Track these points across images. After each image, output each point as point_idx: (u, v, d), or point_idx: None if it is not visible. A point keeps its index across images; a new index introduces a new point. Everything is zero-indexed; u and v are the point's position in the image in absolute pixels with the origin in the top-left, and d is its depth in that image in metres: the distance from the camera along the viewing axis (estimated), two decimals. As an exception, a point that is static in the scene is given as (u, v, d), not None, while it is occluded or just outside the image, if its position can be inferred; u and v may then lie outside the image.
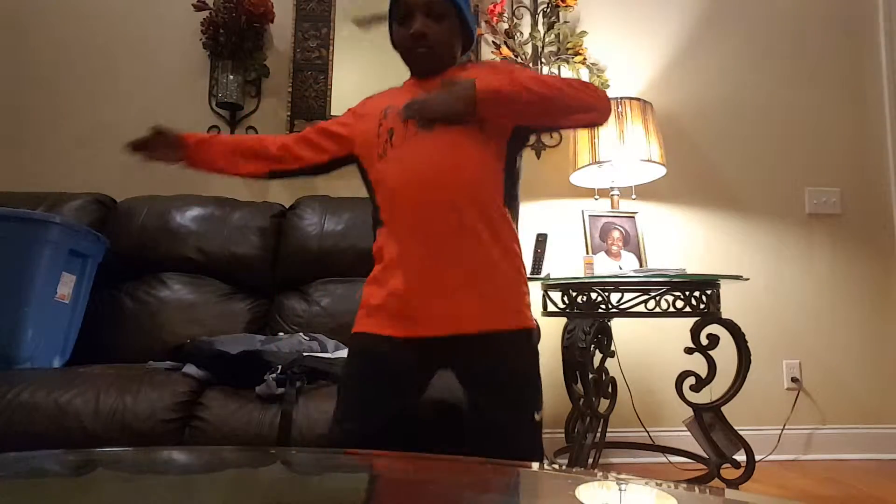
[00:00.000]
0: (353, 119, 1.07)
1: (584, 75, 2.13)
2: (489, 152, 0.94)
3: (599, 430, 1.68)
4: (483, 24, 2.11)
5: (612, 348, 1.69)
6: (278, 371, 1.15)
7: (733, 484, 1.50)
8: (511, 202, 0.97)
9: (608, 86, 2.11)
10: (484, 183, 0.93)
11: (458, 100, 0.90)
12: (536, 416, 0.92)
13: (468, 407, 0.97)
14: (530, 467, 0.63)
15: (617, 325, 1.90)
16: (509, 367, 0.92)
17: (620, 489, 0.52)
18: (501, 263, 0.92)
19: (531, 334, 0.95)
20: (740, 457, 1.52)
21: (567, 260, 2.01)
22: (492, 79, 0.92)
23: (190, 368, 1.22)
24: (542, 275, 1.68)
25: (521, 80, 0.92)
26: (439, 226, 0.89)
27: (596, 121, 1.00)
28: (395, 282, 0.91)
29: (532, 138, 1.03)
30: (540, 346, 1.29)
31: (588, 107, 0.96)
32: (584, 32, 2.12)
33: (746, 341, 1.54)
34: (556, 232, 1.99)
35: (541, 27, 2.12)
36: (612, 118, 1.80)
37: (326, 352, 1.32)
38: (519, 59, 2.09)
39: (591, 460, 1.59)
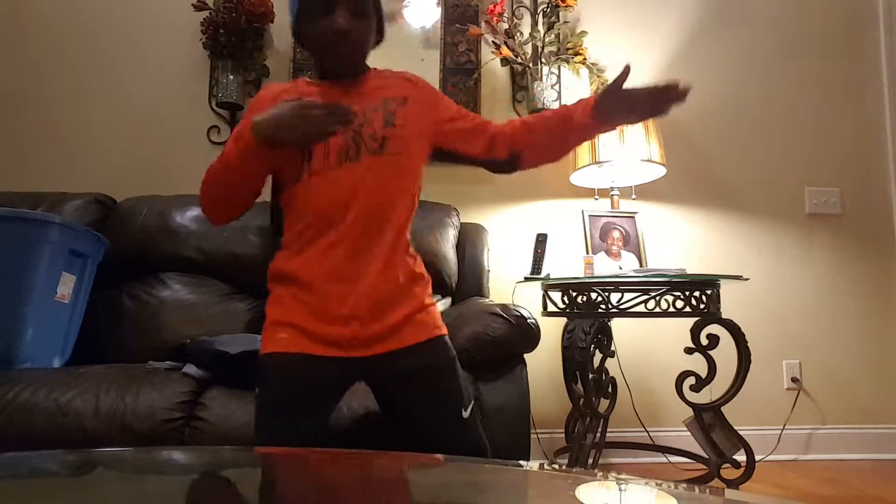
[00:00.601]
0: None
1: (584, 75, 2.13)
2: (411, 181, 0.98)
3: (599, 430, 1.68)
4: (483, 23, 2.11)
5: (612, 348, 1.69)
6: (278, 371, 1.14)
7: (733, 484, 1.50)
8: (409, 228, 1.00)
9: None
10: (397, 220, 0.95)
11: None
12: (464, 413, 0.94)
13: (397, 420, 0.99)
14: (531, 467, 0.63)
15: (617, 325, 1.90)
16: (427, 371, 0.93)
17: (620, 489, 0.52)
18: (410, 287, 0.95)
19: (444, 340, 0.98)
20: (740, 457, 1.52)
21: (567, 260, 2.01)
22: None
23: (190, 368, 1.22)
24: (542, 275, 1.68)
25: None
26: (352, 258, 0.90)
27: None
28: (317, 304, 0.90)
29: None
30: (540, 346, 1.30)
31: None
32: (584, 32, 2.12)
33: (746, 341, 1.54)
34: (556, 232, 1.99)
35: (541, 27, 2.12)
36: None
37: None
38: (519, 59, 2.09)
39: (591, 460, 1.59)
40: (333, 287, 0.90)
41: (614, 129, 0.99)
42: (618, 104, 0.89)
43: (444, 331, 0.99)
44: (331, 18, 0.89)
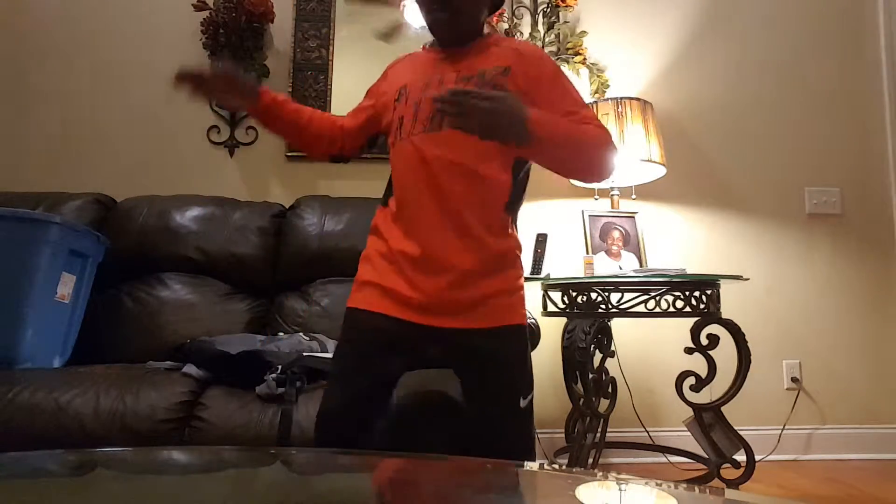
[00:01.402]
0: (376, 97, 1.06)
1: (584, 75, 2.13)
2: (495, 165, 0.93)
3: (599, 430, 1.68)
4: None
5: (612, 348, 1.69)
6: (278, 371, 1.15)
7: (733, 484, 1.50)
8: (513, 207, 0.97)
9: (608, 86, 2.11)
10: (487, 194, 0.93)
11: (509, 128, 0.81)
12: (522, 402, 0.94)
13: (463, 393, 0.99)
14: (531, 467, 0.63)
15: (617, 325, 1.90)
16: (498, 357, 0.94)
17: (620, 489, 0.52)
18: (499, 267, 0.94)
19: (522, 329, 0.98)
20: (740, 457, 1.52)
21: (567, 260, 2.01)
22: (549, 117, 0.86)
23: (190, 368, 1.22)
24: (542, 275, 1.68)
25: (586, 130, 0.90)
26: (440, 228, 0.90)
27: (587, 181, 1.04)
28: (400, 268, 0.92)
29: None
30: (540, 346, 1.30)
31: (599, 173, 0.94)
32: (584, 32, 2.12)
33: (746, 341, 1.54)
34: (556, 232, 1.99)
35: (541, 27, 2.12)
36: (612, 118, 1.81)
37: (326, 352, 1.32)
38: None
39: (591, 460, 1.59)
40: (415, 253, 0.91)
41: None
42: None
43: (525, 320, 0.99)
44: None
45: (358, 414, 0.92)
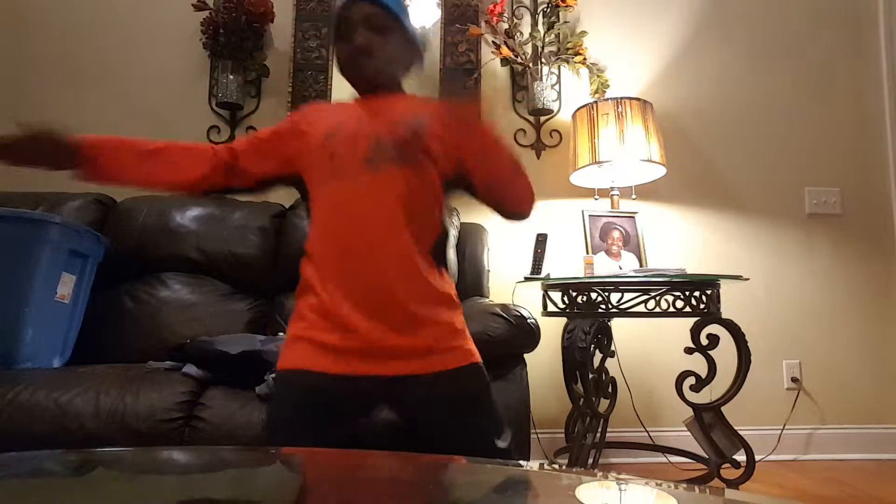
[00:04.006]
0: (293, 135, 0.98)
1: (584, 75, 2.13)
2: (431, 199, 0.92)
3: (599, 430, 1.68)
4: (483, 23, 2.11)
5: (612, 348, 1.69)
6: (278, 371, 1.14)
7: (733, 484, 1.50)
8: (440, 250, 0.94)
9: (608, 86, 2.11)
10: (418, 230, 0.89)
11: (467, 126, 0.84)
12: (499, 444, 0.88)
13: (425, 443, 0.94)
14: (531, 467, 0.63)
15: (617, 325, 1.90)
16: (460, 400, 0.89)
17: (620, 489, 0.52)
18: (437, 309, 0.90)
19: (479, 368, 0.93)
20: (740, 457, 1.52)
21: (567, 260, 2.01)
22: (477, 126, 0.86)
23: (190, 368, 1.22)
24: (542, 275, 1.68)
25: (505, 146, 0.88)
26: (380, 265, 0.86)
27: (522, 214, 0.96)
28: (335, 319, 0.85)
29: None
30: (540, 346, 1.30)
31: (527, 209, 0.95)
32: (584, 32, 2.12)
33: (746, 341, 1.54)
34: (556, 232, 1.99)
35: (541, 27, 2.12)
36: (612, 118, 1.81)
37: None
38: (519, 59, 2.09)
39: (591, 460, 1.59)
40: (354, 295, 0.85)
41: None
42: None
43: (478, 358, 0.93)
44: (353, 38, 0.92)
45: None
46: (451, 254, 1.70)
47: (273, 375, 1.14)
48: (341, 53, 0.96)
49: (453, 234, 1.75)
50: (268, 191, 1.03)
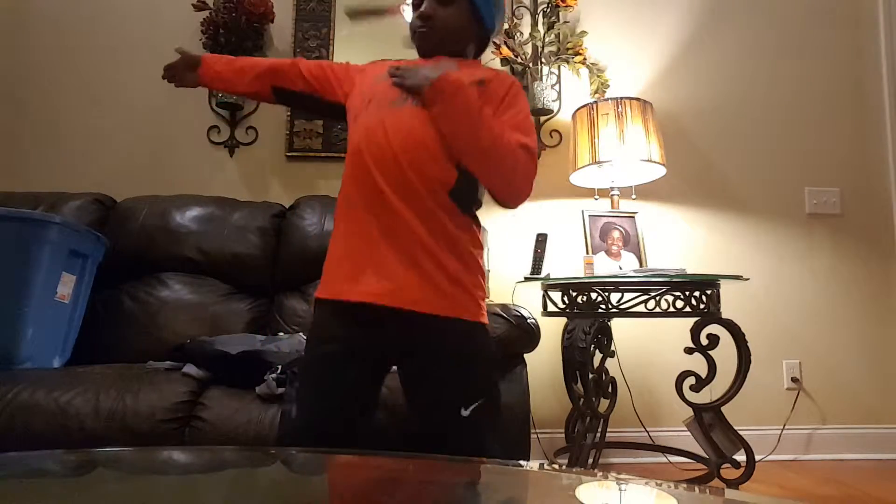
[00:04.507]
0: (356, 75, 1.09)
1: (584, 75, 2.13)
2: (442, 144, 0.91)
3: (599, 430, 1.68)
4: (483, 24, 2.11)
5: (612, 348, 1.69)
6: (278, 371, 1.15)
7: (733, 484, 1.50)
8: (460, 196, 0.93)
9: (608, 86, 2.11)
10: (425, 171, 0.90)
11: (423, 77, 0.90)
12: (463, 412, 0.87)
13: (408, 404, 0.95)
14: (531, 467, 0.63)
15: (617, 325, 1.90)
16: (430, 351, 0.90)
17: (620, 489, 0.52)
18: (456, 250, 0.90)
19: (480, 329, 0.93)
20: (740, 457, 1.52)
21: (567, 260, 2.01)
22: (470, 92, 0.89)
23: (190, 368, 1.22)
24: (542, 275, 1.68)
25: (497, 122, 0.90)
26: (380, 205, 0.89)
27: (505, 203, 0.97)
28: (346, 248, 0.93)
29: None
30: (540, 346, 1.30)
31: (513, 195, 0.95)
32: (584, 32, 2.12)
33: (746, 341, 1.54)
34: (556, 232, 1.99)
35: (541, 27, 2.12)
36: (612, 118, 1.81)
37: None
38: (519, 59, 2.09)
39: (591, 460, 1.59)
40: (366, 233, 0.89)
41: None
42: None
43: (476, 318, 0.92)
44: (419, 4, 1.02)
45: (339, 428, 0.89)
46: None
47: (273, 375, 1.14)
48: (411, 21, 1.04)
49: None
50: (325, 116, 1.20)
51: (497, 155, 0.90)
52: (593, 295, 1.53)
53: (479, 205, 0.98)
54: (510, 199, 0.95)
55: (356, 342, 0.90)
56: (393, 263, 0.88)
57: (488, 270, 1.79)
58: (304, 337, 1.37)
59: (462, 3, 1.00)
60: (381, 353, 0.93)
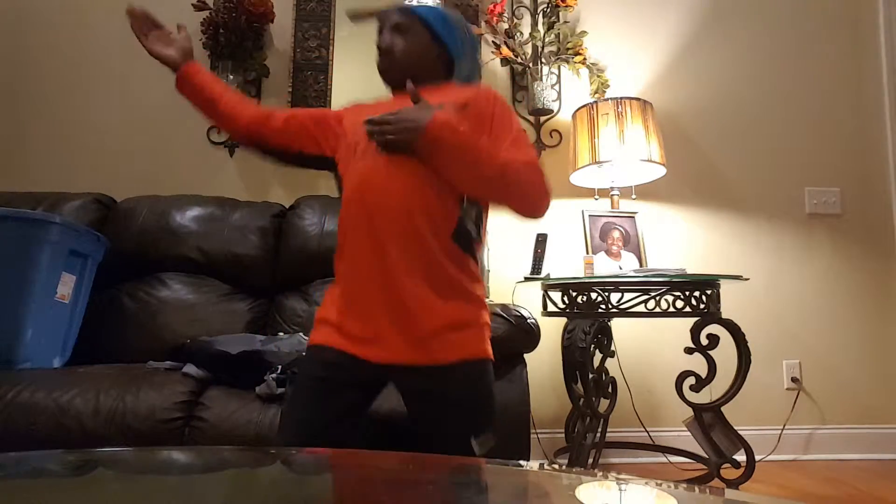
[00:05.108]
0: (340, 124, 1.05)
1: (584, 75, 2.13)
2: (441, 187, 0.89)
3: (599, 430, 1.68)
4: (483, 23, 2.11)
5: (612, 348, 1.69)
6: (278, 371, 1.15)
7: (733, 484, 1.50)
8: (462, 238, 0.91)
9: (608, 86, 2.11)
10: (431, 215, 0.88)
11: (408, 128, 0.85)
12: (474, 446, 0.87)
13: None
14: (531, 467, 0.63)
15: (617, 325, 1.90)
16: (457, 394, 0.89)
17: (620, 489, 0.52)
18: (442, 296, 0.88)
19: (486, 364, 0.92)
20: (740, 457, 1.52)
21: (567, 260, 2.01)
22: (463, 130, 0.85)
23: (190, 368, 1.22)
24: (542, 275, 1.68)
25: (495, 148, 0.88)
26: (379, 255, 0.87)
27: (531, 217, 0.95)
28: (345, 304, 0.90)
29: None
30: (540, 346, 1.30)
31: (533, 210, 0.93)
32: (584, 32, 2.12)
33: (746, 341, 1.54)
34: (556, 232, 1.99)
35: (541, 27, 2.12)
36: (612, 118, 1.81)
37: (326, 352, 1.32)
38: (519, 59, 2.09)
39: (591, 460, 1.59)
40: (363, 286, 0.88)
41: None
42: None
43: (485, 354, 0.91)
44: (378, 40, 1.02)
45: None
46: (481, 251, 1.66)
47: (273, 375, 1.14)
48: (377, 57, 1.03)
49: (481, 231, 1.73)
50: (302, 165, 1.08)
51: (505, 182, 0.88)
52: (593, 295, 1.53)
53: (479, 243, 0.97)
54: (532, 214, 0.94)
55: (354, 376, 0.90)
56: (398, 319, 0.86)
57: (488, 270, 1.80)
58: (305, 337, 1.37)
59: (417, 29, 1.00)
60: (381, 385, 0.95)
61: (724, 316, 1.55)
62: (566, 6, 2.10)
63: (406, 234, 0.87)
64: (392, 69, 1.01)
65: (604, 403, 1.67)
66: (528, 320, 1.25)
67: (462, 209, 0.91)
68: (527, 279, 1.68)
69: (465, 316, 0.90)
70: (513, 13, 2.14)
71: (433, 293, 0.87)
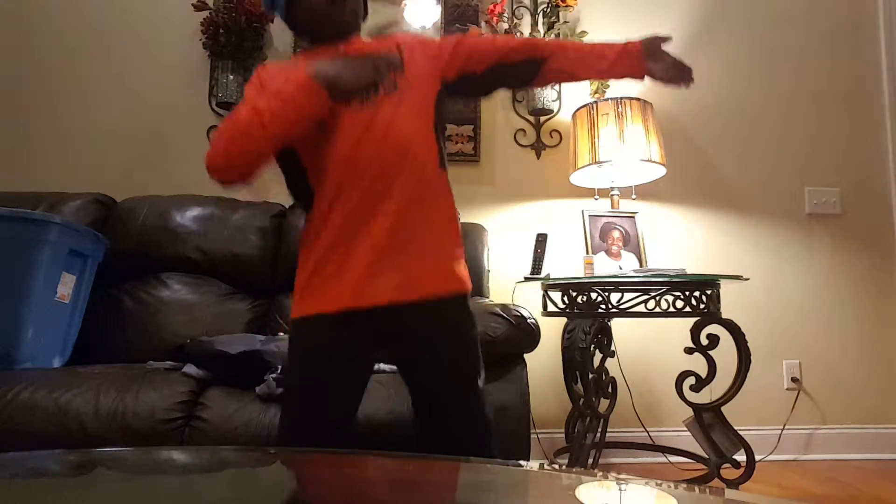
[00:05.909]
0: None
1: (584, 75, 2.13)
2: (422, 117, 0.93)
3: (599, 430, 1.68)
4: (483, 23, 2.11)
5: (612, 348, 1.69)
6: (278, 371, 1.15)
7: (733, 484, 1.50)
8: (444, 162, 0.96)
9: (608, 86, 2.11)
10: (418, 150, 0.91)
11: (374, 69, 0.85)
12: (479, 382, 0.92)
13: (413, 394, 0.96)
14: (531, 467, 0.63)
15: (617, 325, 1.90)
16: (450, 333, 0.92)
17: (620, 489, 0.52)
18: (436, 227, 0.91)
19: (466, 297, 0.95)
20: (740, 457, 1.52)
21: (567, 260, 2.01)
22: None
23: (190, 368, 1.22)
24: (542, 275, 1.68)
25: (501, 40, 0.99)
26: (373, 195, 0.87)
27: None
28: (335, 255, 0.89)
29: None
30: (540, 346, 1.30)
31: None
32: (584, 32, 2.12)
33: (746, 341, 1.54)
34: (556, 232, 1.99)
35: (541, 27, 2.12)
36: (612, 118, 1.81)
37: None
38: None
39: (591, 460, 1.59)
40: (350, 229, 0.87)
41: (642, 75, 1.03)
42: (654, 52, 1.03)
43: (469, 287, 0.95)
44: None
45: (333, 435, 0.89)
46: None
47: (273, 375, 1.14)
48: (312, 4, 0.95)
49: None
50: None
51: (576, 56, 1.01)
52: (593, 295, 1.53)
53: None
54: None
55: (352, 349, 0.90)
56: (403, 257, 0.87)
57: (488, 270, 1.80)
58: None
59: None
60: (378, 353, 0.95)
61: (724, 316, 1.55)
62: (566, 6, 2.10)
63: (411, 169, 0.89)
64: (342, 16, 0.96)
65: (604, 403, 1.67)
66: (528, 320, 1.25)
67: (439, 138, 0.95)
68: (527, 279, 1.68)
69: (460, 246, 0.95)
70: (513, 13, 2.14)
71: (436, 224, 0.91)
